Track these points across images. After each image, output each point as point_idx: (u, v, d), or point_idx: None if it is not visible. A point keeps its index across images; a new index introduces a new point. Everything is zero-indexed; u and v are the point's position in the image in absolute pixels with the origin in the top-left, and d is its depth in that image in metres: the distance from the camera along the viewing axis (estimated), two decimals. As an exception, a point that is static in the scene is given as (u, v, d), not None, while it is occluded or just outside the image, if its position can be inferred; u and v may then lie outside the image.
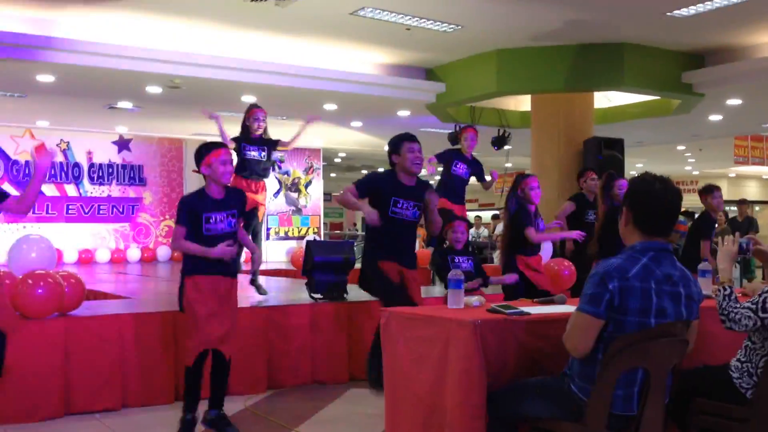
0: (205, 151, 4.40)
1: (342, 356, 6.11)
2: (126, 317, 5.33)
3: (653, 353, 2.64)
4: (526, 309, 3.24)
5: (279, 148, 6.82)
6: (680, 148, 18.35)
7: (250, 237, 6.25)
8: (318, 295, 6.35)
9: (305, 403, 5.40)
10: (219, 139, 6.09)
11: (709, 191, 7.21)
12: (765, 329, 2.97)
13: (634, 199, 2.77)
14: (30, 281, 4.94)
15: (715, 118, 13.07)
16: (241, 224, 4.64)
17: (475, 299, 3.52)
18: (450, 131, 10.73)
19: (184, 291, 4.42)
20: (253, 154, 6.62)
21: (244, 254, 5.94)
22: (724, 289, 3.07)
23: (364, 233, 5.21)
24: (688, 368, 3.06)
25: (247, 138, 6.63)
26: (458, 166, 7.07)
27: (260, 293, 6.75)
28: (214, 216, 4.35)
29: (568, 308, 3.41)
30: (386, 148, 4.89)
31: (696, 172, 25.05)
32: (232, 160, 4.51)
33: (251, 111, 6.69)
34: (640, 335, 2.62)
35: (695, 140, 16.56)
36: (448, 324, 3.05)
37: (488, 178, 7.43)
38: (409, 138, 4.78)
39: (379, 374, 4.86)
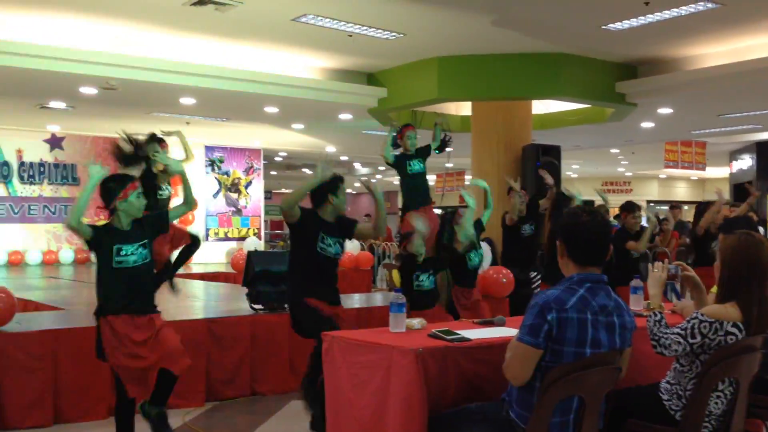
0: (119, 185, 4.08)
1: (282, 368, 6.09)
2: (58, 333, 5.21)
3: (588, 382, 2.72)
4: (466, 334, 3.29)
5: None
6: (614, 151, 18.86)
7: None
8: (259, 306, 6.31)
9: (244, 417, 5.37)
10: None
11: (630, 210, 6.89)
12: (693, 354, 3.10)
13: (565, 231, 2.86)
14: (-43, 297, 4.78)
15: (647, 125, 13.47)
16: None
17: (416, 322, 3.55)
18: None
19: (102, 337, 4.06)
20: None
21: None
22: (655, 315, 3.17)
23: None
24: (620, 388, 3.15)
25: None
26: (412, 164, 6.91)
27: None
28: (125, 248, 4.07)
29: (508, 331, 3.48)
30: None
31: (629, 174, 25.76)
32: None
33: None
34: (575, 365, 2.69)
35: (628, 144, 17.04)
36: (390, 351, 3.07)
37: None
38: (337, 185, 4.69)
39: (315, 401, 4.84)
